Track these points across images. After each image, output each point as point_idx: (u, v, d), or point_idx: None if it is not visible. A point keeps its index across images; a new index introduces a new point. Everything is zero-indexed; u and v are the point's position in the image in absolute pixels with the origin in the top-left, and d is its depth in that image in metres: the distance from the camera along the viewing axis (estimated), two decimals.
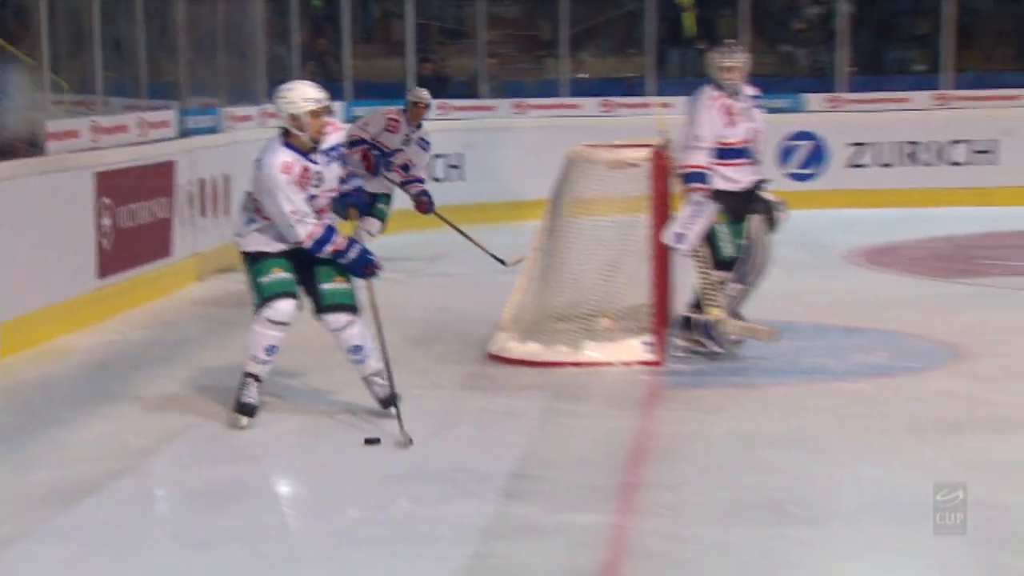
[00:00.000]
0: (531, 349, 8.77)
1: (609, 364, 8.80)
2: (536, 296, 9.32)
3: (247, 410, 7.48)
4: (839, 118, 18.28)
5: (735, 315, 9.16)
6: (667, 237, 8.81)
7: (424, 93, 13.66)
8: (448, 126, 17.33)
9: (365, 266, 7.48)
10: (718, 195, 8.89)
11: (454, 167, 17.49)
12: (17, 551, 5.57)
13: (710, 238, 8.82)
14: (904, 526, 5.88)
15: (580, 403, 7.87)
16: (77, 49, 11.33)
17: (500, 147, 17.16)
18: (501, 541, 5.65)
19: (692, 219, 8.77)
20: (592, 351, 8.88)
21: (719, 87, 9.06)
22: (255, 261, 7.51)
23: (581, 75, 18.99)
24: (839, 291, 11.74)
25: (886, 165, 18.74)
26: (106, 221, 10.63)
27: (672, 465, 6.84)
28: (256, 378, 7.48)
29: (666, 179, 8.86)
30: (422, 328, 10.25)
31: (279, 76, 15.97)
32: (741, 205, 9.06)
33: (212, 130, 13.32)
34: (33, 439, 7.38)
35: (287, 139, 7.18)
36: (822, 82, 19.39)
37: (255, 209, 7.44)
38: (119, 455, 7.05)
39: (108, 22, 11.64)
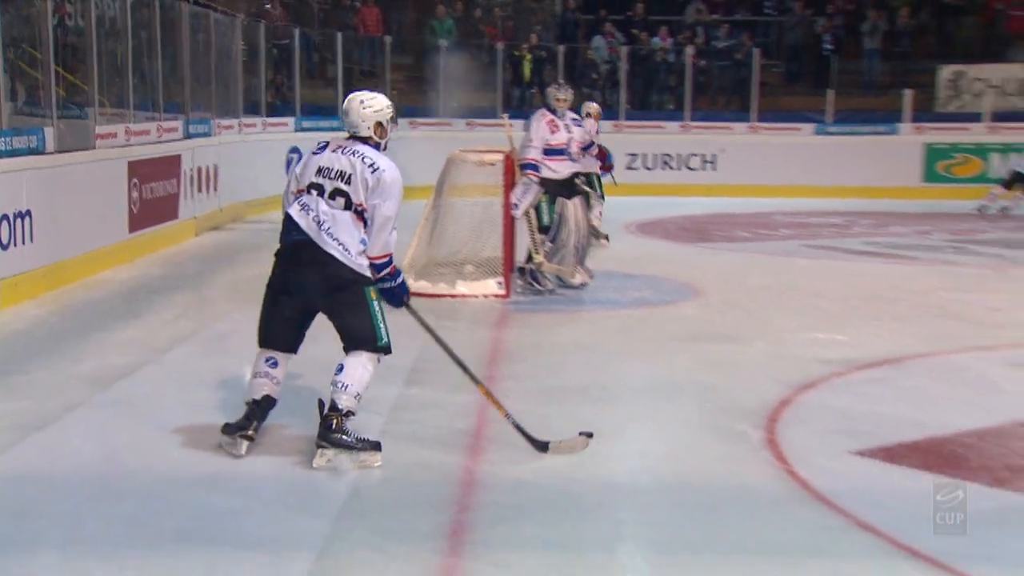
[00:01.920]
0: (421, 285, 8.63)
1: (473, 296, 8.74)
2: (425, 249, 9.27)
3: (378, 446, 4.69)
4: (621, 137, 18.28)
5: (580, 264, 9.34)
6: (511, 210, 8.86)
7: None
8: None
9: (404, 295, 5.10)
10: (544, 181, 8.96)
11: None
12: (75, 415, 5.49)
13: (536, 209, 8.90)
14: (665, 402, 5.95)
15: (455, 321, 7.77)
16: (115, 78, 11.20)
17: (400, 151, 16.89)
18: (406, 412, 5.61)
19: (523, 195, 8.87)
20: (462, 287, 8.84)
21: (550, 109, 9.13)
22: (379, 292, 4.88)
23: (453, 104, 18.87)
24: (622, 250, 11.74)
25: (649, 168, 18.92)
26: (135, 194, 10.53)
27: (517, 364, 6.80)
28: (354, 415, 4.72)
29: (513, 173, 8.85)
30: None
31: (252, 99, 15.83)
32: (559, 189, 9.11)
33: (207, 134, 13.20)
34: (83, 339, 7.22)
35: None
36: (609, 113, 19.41)
37: (365, 223, 4.75)
38: (144, 351, 6.90)
39: (137, 59, 11.50)
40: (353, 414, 4.67)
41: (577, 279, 9.22)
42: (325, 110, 17.39)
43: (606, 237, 11.69)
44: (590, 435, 4.97)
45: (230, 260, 10.84)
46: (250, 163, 14.39)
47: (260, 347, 4.95)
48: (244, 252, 11.30)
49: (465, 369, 5.22)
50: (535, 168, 8.91)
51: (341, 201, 4.71)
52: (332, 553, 3.87)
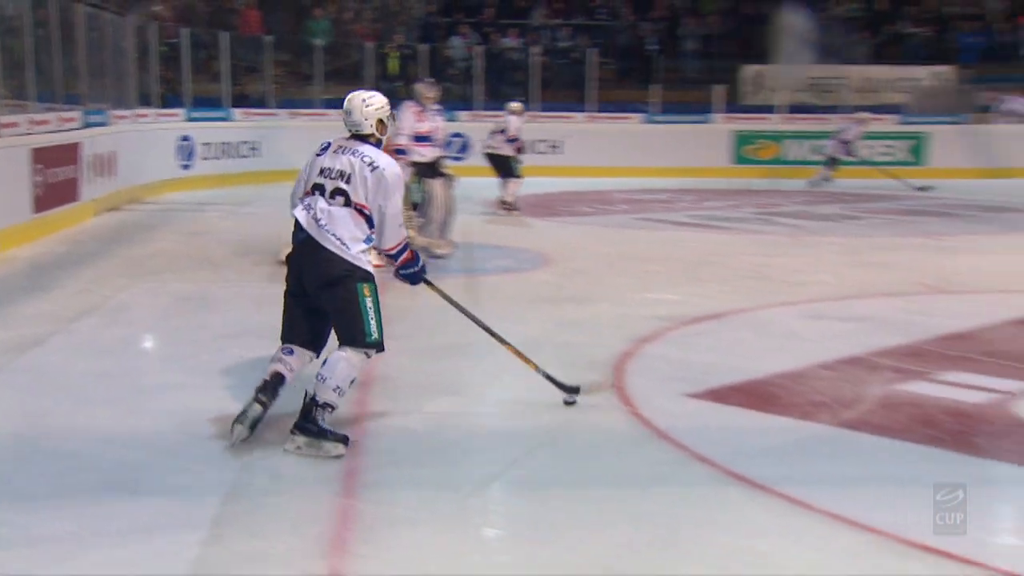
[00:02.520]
0: None
1: None
2: None
3: (344, 439, 4.26)
4: (478, 125, 18.19)
5: (442, 237, 9.30)
6: None
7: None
8: (250, 125, 17.11)
9: (419, 276, 4.87)
10: (413, 164, 8.92)
11: (254, 149, 16.91)
12: None
13: (407, 189, 8.87)
14: (531, 356, 5.94)
15: None
16: (16, 72, 10.62)
17: (282, 138, 16.65)
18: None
19: None
20: None
21: (417, 102, 9.10)
22: (375, 287, 4.41)
23: (328, 96, 18.51)
24: (484, 225, 11.73)
25: None
26: (39, 178, 10.00)
27: (396, 326, 6.69)
28: (333, 409, 4.28)
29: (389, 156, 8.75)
30: (242, 245, 9.87)
31: (145, 92, 15.30)
32: (426, 171, 9.12)
33: (103, 124, 12.67)
34: None
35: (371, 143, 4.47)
36: (466, 105, 19.34)
37: (367, 220, 4.37)
38: (53, 322, 6.60)
39: (37, 54, 10.91)
40: (332, 407, 4.26)
41: (442, 250, 9.20)
42: (213, 102, 16.99)
43: (517, 210, 12.34)
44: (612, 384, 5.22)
45: (128, 238, 10.45)
46: (145, 150, 14.05)
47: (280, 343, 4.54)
48: (141, 231, 10.96)
49: (491, 332, 5.12)
50: (404, 152, 8.86)
51: (341, 199, 4.34)
52: (237, 499, 3.80)
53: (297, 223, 4.39)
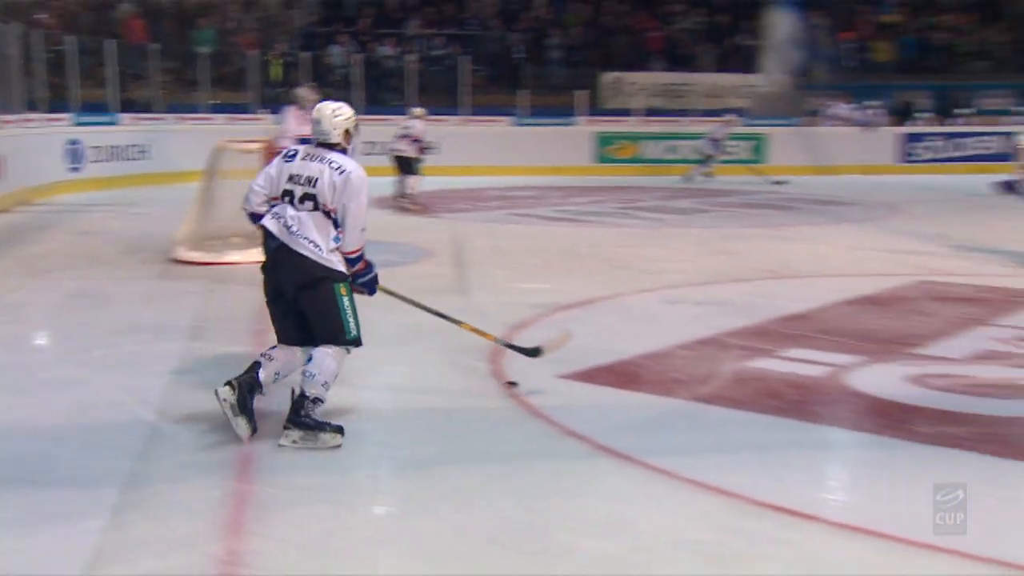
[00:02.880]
0: (196, 255, 8.26)
1: (241, 263, 8.30)
2: (198, 224, 8.84)
3: (340, 430, 4.16)
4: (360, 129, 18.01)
5: None
6: None
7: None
8: (138, 129, 16.50)
9: (374, 284, 4.64)
10: None
11: (142, 152, 16.29)
12: None
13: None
14: (411, 345, 5.92)
15: (228, 284, 7.47)
16: None
17: (169, 142, 16.11)
18: (191, 363, 5.33)
19: None
20: (232, 256, 8.43)
21: (299, 106, 8.96)
22: (348, 287, 4.33)
23: (215, 101, 18.04)
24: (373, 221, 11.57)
25: (381, 155, 18.48)
26: None
27: None
28: (322, 403, 4.20)
29: (272, 159, 8.52)
30: (131, 244, 9.51)
31: (33, 98, 14.63)
32: None
33: None
34: None
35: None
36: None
37: (334, 222, 4.24)
38: None
39: None
40: (321, 401, 4.17)
41: None
42: (100, 107, 16.31)
43: (419, 204, 12.85)
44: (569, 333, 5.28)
45: (19, 239, 9.94)
46: (33, 154, 13.41)
47: None
48: (32, 232, 10.42)
49: (445, 316, 5.17)
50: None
51: (309, 204, 4.20)
52: (136, 486, 3.67)
53: (268, 232, 4.23)
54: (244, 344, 5.48)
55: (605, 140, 19.58)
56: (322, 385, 4.16)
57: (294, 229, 4.18)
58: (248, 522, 3.40)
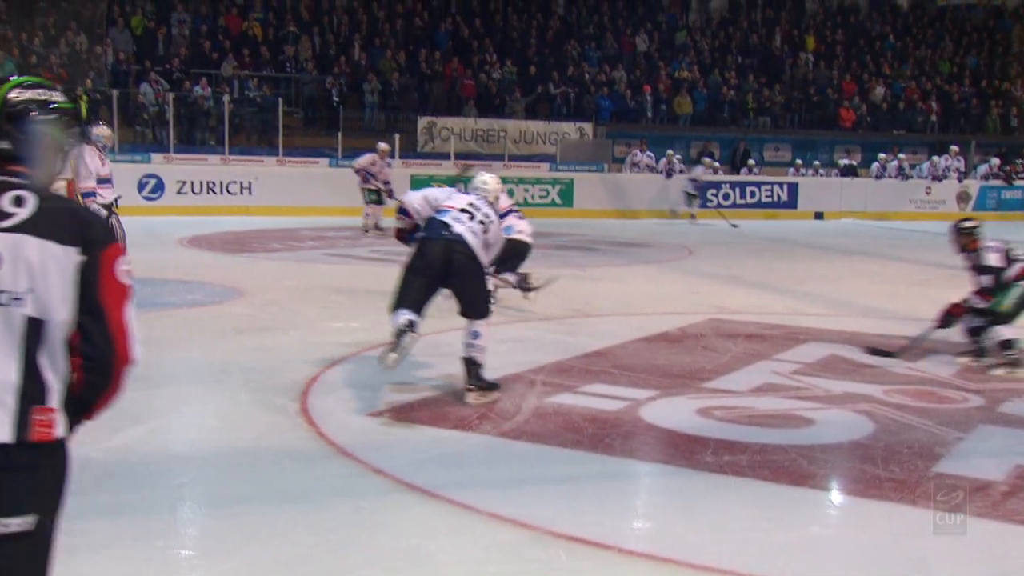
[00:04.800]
0: None
1: None
2: None
3: (496, 387, 5.47)
4: (172, 167, 17.44)
5: None
6: None
7: None
8: None
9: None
10: (103, 205, 8.46)
11: None
12: None
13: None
14: (217, 384, 5.72)
15: None
16: None
17: None
18: None
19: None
20: None
21: (96, 145, 8.70)
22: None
23: None
24: (177, 261, 11.17)
25: (196, 193, 17.79)
26: None
27: None
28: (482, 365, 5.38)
29: (73, 196, 8.12)
30: None
31: None
32: (108, 212, 8.53)
33: None
34: None
35: None
36: (161, 148, 18.40)
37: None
38: None
39: None
40: (482, 364, 5.34)
41: None
42: None
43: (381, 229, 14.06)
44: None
45: None
46: None
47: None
48: None
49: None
50: (93, 195, 8.36)
51: (467, 217, 5.48)
52: None
53: (448, 226, 5.40)
54: None
55: (420, 182, 19.61)
56: (482, 351, 5.40)
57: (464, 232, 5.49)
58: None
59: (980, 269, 6.67)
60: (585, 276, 11.14)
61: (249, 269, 10.95)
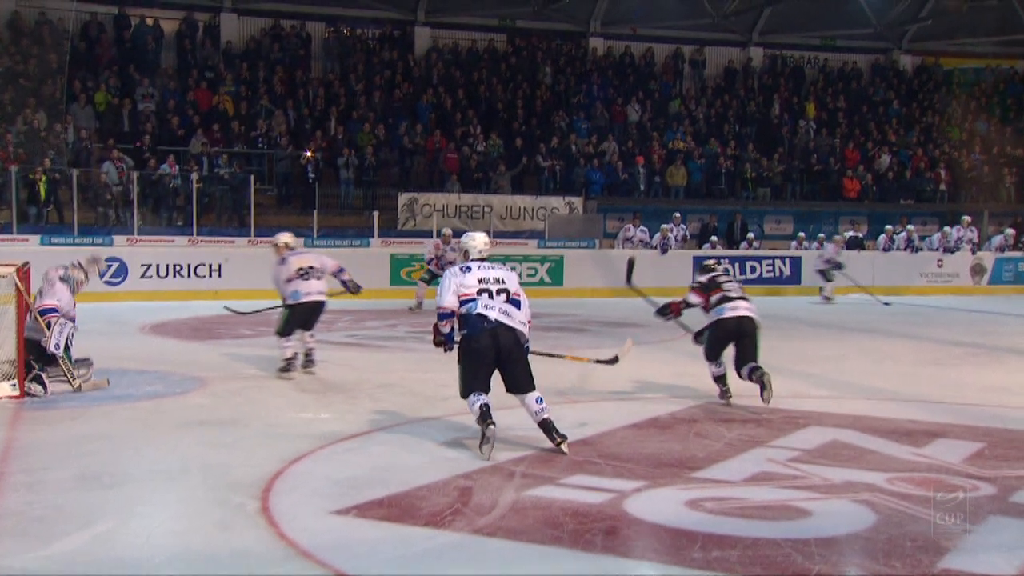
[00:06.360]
0: None
1: None
2: None
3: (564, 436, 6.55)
4: (136, 250, 17.61)
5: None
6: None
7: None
8: None
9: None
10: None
11: None
12: None
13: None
14: (173, 482, 5.74)
15: None
16: None
17: None
18: None
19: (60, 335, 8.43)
20: None
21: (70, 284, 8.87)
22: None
23: None
24: (137, 350, 11.19)
25: (162, 277, 17.98)
26: None
27: (29, 457, 6.24)
28: None
29: (26, 284, 8.16)
30: None
31: None
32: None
33: None
34: None
35: None
36: (125, 230, 18.57)
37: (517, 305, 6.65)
38: None
39: None
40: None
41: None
42: None
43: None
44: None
45: None
46: None
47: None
48: None
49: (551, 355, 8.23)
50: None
51: (503, 296, 6.52)
52: None
53: (485, 317, 6.38)
54: None
55: (401, 262, 19.79)
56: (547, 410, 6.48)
57: (509, 313, 6.47)
58: None
59: None
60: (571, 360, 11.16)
61: (214, 357, 10.96)
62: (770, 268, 21.62)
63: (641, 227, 21.48)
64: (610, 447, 6.68)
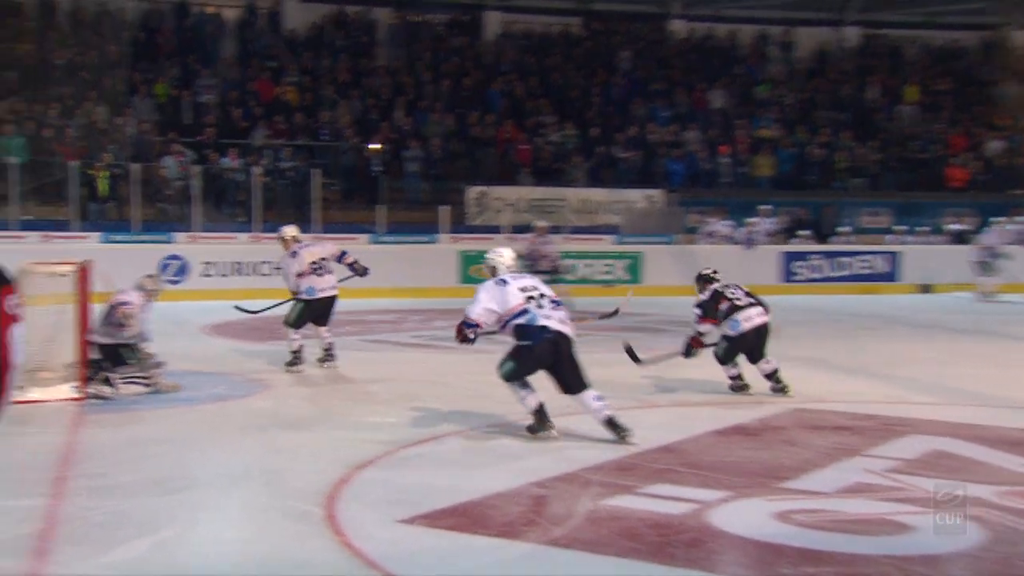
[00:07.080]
0: None
1: (45, 401, 8.10)
2: None
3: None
4: (197, 247, 17.94)
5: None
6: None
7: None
8: None
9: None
10: None
11: None
12: None
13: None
14: (237, 489, 5.84)
15: (25, 426, 7.21)
16: None
17: None
18: None
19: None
20: (34, 394, 8.09)
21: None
22: None
23: (28, 217, 17.70)
24: (200, 350, 11.41)
25: (224, 275, 18.26)
26: None
27: (90, 463, 6.41)
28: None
29: (87, 282, 8.37)
30: None
31: None
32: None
33: None
34: None
35: None
36: (185, 226, 18.91)
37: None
38: None
39: None
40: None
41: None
42: None
43: None
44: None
45: None
46: None
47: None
48: None
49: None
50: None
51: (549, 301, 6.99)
52: None
53: (546, 328, 6.80)
54: (35, 495, 5.27)
55: (470, 259, 19.83)
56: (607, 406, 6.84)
57: (563, 319, 6.94)
58: None
59: None
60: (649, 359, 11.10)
61: (277, 358, 11.11)
62: (864, 264, 21.21)
63: (725, 221, 21.24)
64: (693, 454, 6.62)
